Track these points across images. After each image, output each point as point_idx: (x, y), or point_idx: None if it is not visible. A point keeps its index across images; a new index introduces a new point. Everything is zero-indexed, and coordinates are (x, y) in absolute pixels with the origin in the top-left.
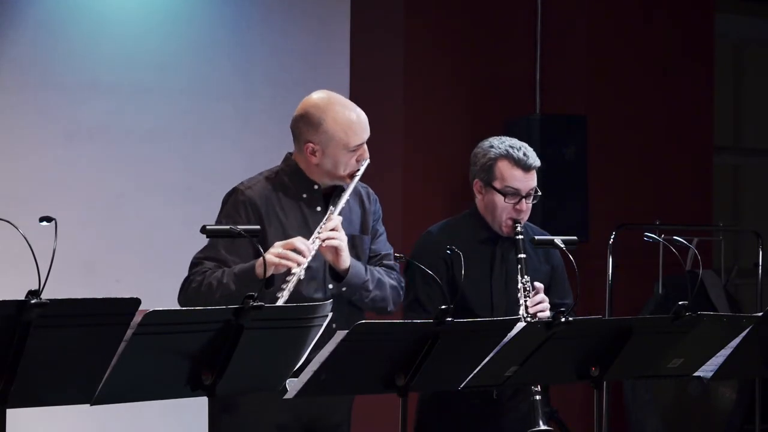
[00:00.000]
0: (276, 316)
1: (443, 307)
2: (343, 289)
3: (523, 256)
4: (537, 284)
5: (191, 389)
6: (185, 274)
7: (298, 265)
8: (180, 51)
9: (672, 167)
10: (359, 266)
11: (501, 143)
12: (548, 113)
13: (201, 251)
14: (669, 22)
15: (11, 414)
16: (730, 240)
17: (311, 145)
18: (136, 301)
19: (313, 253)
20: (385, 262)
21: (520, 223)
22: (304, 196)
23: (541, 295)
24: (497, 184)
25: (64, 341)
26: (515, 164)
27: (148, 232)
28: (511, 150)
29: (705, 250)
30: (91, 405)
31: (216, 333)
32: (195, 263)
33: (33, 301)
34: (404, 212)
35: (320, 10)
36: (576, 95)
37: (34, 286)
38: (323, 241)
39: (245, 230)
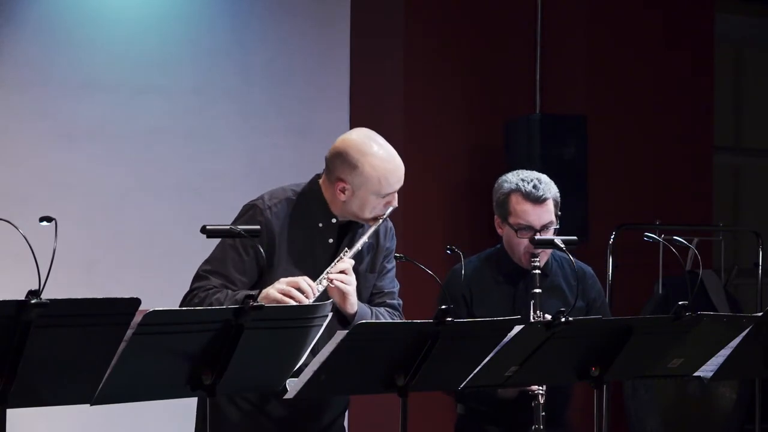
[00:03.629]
0: (276, 316)
1: (443, 306)
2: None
3: (537, 291)
4: (548, 317)
5: (191, 389)
6: (185, 274)
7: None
8: (180, 51)
9: (672, 167)
10: (366, 311)
11: (514, 176)
12: (548, 113)
13: (209, 263)
14: (669, 21)
15: (11, 414)
16: (730, 240)
17: (343, 184)
18: (136, 301)
19: (318, 293)
20: (388, 300)
21: (537, 256)
22: (320, 225)
23: None
24: (511, 220)
25: (64, 341)
26: (525, 198)
27: (148, 232)
28: (521, 183)
29: (705, 250)
30: (91, 405)
31: (216, 333)
32: (200, 276)
33: (33, 301)
34: (404, 212)
35: (320, 11)
36: (576, 95)
37: (34, 286)
38: (331, 282)
39: (245, 230)
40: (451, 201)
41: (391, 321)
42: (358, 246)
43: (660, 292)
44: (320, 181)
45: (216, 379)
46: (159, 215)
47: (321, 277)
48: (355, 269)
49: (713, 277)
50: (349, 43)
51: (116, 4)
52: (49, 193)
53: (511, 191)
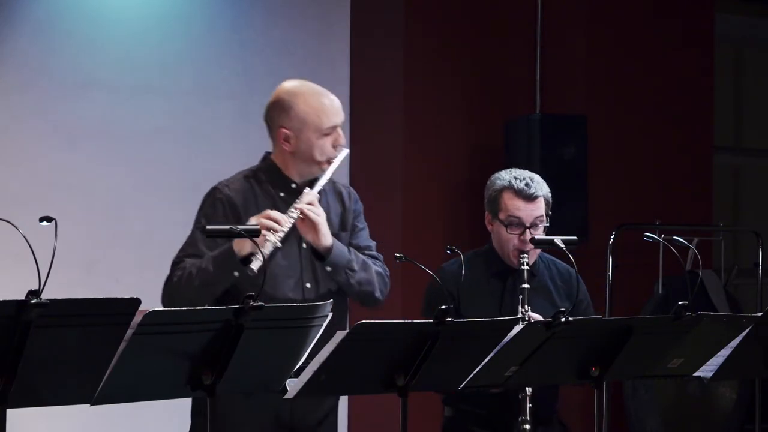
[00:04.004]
0: (276, 316)
1: (443, 306)
2: (328, 269)
3: (526, 286)
4: (534, 315)
5: (191, 389)
6: None
7: (274, 233)
8: (180, 51)
9: (672, 167)
10: (342, 245)
11: (506, 174)
12: (548, 113)
13: (181, 250)
14: (669, 22)
15: (11, 414)
16: (730, 240)
17: (284, 130)
18: (136, 301)
19: (290, 224)
20: (367, 252)
21: (527, 254)
22: (282, 194)
23: None
24: (501, 216)
25: (64, 341)
26: (517, 194)
27: (148, 232)
28: (513, 181)
29: (705, 250)
30: (91, 405)
31: (216, 333)
32: (176, 262)
33: (33, 301)
34: (404, 212)
35: (320, 10)
36: (576, 95)
37: (34, 286)
38: (300, 213)
39: (245, 230)
40: (451, 201)
41: (391, 321)
42: (320, 184)
43: (660, 292)
44: (270, 155)
45: (216, 379)
46: (159, 215)
47: (289, 211)
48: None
49: (713, 277)
50: (349, 43)
51: (116, 4)
52: (49, 193)
53: (504, 188)
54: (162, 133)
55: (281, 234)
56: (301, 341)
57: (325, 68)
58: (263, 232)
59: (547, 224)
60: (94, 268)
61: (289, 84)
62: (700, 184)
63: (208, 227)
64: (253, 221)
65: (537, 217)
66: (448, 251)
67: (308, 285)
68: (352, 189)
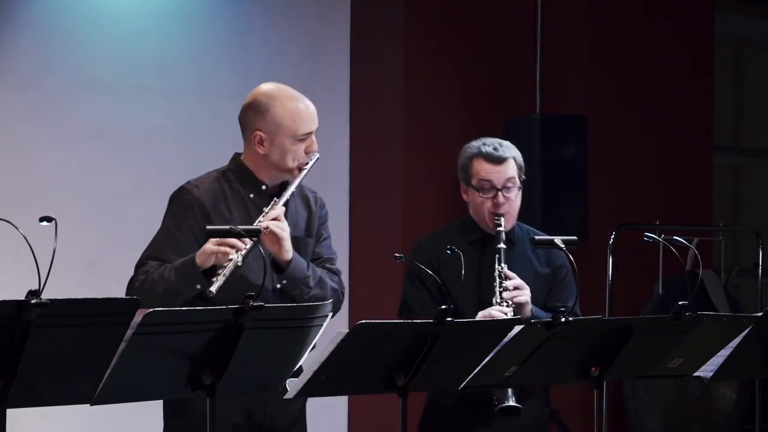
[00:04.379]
0: (276, 316)
1: (443, 306)
2: (284, 282)
3: (502, 246)
4: (509, 272)
5: (191, 389)
6: None
7: (237, 251)
8: (180, 51)
9: (672, 167)
10: (302, 261)
11: (476, 142)
12: (548, 113)
13: (145, 251)
14: (669, 22)
15: (11, 414)
16: (730, 240)
17: (259, 133)
18: (136, 301)
19: (252, 240)
20: (327, 265)
21: (502, 216)
22: (252, 196)
23: (517, 281)
24: (474, 181)
25: (64, 341)
26: (486, 159)
27: (148, 232)
28: (482, 147)
29: (705, 250)
30: (91, 405)
31: (216, 333)
32: (140, 264)
33: (33, 301)
34: (404, 212)
35: (320, 10)
36: (576, 95)
37: (34, 286)
38: (264, 228)
39: (245, 230)
40: (451, 201)
41: (391, 321)
42: (287, 195)
43: (660, 292)
44: (241, 156)
45: (216, 379)
46: (159, 215)
47: (254, 224)
48: (293, 237)
49: (713, 277)
50: (349, 43)
51: (116, 4)
52: (49, 193)
53: (473, 155)
54: (162, 133)
55: (244, 251)
56: (301, 341)
57: (325, 68)
58: (224, 249)
59: (521, 186)
60: (94, 268)
61: (267, 86)
62: (700, 184)
63: (208, 227)
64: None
65: (508, 179)
66: (448, 251)
67: (278, 286)
68: (318, 194)
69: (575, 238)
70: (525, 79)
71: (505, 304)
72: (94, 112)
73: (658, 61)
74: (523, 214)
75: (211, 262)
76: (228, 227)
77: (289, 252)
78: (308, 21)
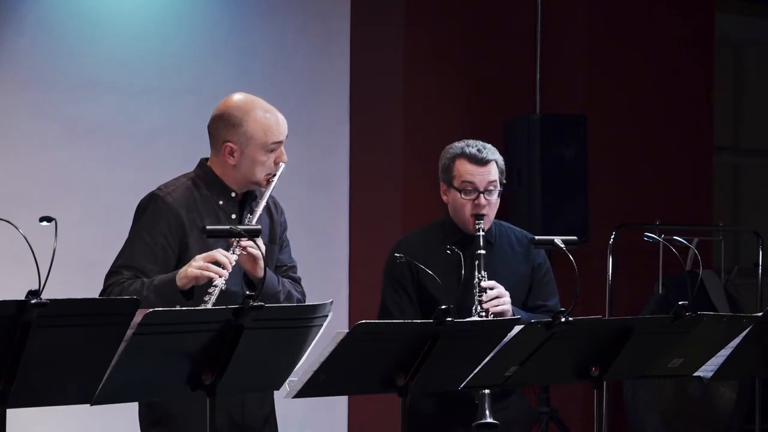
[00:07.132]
0: (276, 316)
1: (443, 307)
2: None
3: (482, 252)
4: (490, 282)
5: (191, 389)
6: None
7: (220, 276)
8: (180, 51)
9: (672, 167)
10: (273, 276)
11: (459, 143)
12: (548, 113)
13: (118, 258)
14: (669, 22)
15: (11, 414)
16: (730, 240)
17: (230, 144)
18: (136, 301)
19: (233, 263)
20: (290, 273)
21: (482, 219)
22: (221, 203)
23: (498, 290)
24: (455, 183)
25: (64, 341)
26: (468, 160)
27: None
28: (465, 148)
29: (705, 250)
30: (91, 405)
31: (216, 333)
32: (113, 273)
33: (33, 301)
34: (404, 212)
35: (320, 10)
36: (576, 95)
37: (34, 286)
38: (243, 249)
39: (245, 230)
40: None
41: (391, 321)
42: (259, 210)
43: (660, 292)
44: (208, 162)
45: (216, 379)
46: None
47: (233, 246)
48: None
49: (713, 277)
50: (349, 43)
51: (116, 5)
52: (49, 193)
53: (456, 156)
54: (162, 133)
55: (226, 276)
56: (301, 341)
57: (326, 68)
58: (207, 273)
59: (501, 189)
60: (94, 268)
61: (238, 98)
62: (700, 184)
63: (208, 227)
64: (200, 260)
65: (490, 182)
66: (448, 251)
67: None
68: (277, 199)
69: (575, 238)
70: (525, 79)
71: (484, 314)
72: (94, 112)
73: (658, 62)
74: (523, 214)
75: (191, 284)
76: (228, 227)
77: (262, 269)
78: (308, 21)
